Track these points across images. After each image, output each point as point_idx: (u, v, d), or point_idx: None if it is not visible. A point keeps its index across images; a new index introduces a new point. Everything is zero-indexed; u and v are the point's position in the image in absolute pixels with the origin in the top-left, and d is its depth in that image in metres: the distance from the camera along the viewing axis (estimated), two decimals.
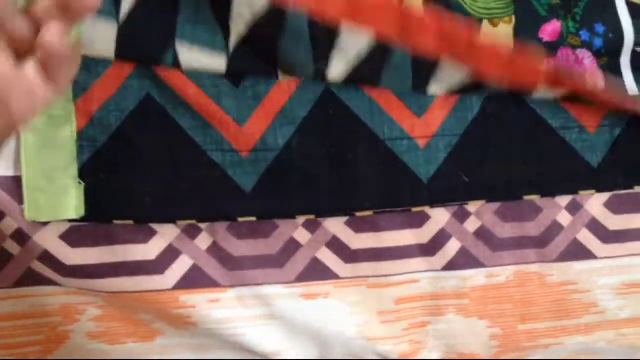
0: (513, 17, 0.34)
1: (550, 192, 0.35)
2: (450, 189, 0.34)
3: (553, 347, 0.35)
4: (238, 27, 0.31)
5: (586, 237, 0.35)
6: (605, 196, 0.35)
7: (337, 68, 0.32)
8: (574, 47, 0.34)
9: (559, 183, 0.34)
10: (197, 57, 0.31)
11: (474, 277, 0.34)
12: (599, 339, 0.35)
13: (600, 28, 0.34)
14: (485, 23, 0.33)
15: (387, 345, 0.34)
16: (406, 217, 0.34)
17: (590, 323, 0.35)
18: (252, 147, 0.32)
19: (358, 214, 0.34)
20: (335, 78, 0.32)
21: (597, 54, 0.34)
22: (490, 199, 0.34)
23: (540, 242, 0.35)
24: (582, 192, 0.35)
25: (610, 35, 0.34)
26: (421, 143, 0.34)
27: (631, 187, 0.35)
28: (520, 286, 0.35)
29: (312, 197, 0.33)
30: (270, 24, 0.31)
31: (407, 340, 0.34)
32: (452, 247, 0.34)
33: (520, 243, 0.35)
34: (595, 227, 0.35)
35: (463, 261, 0.34)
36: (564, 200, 0.35)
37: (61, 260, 0.31)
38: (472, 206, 0.35)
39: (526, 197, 0.34)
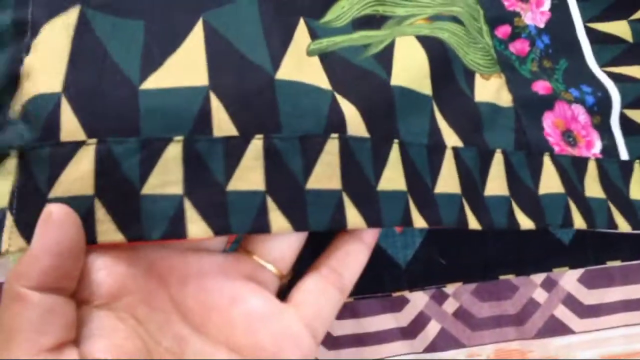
0: (502, 74, 0.34)
1: (525, 270, 0.35)
2: (428, 272, 0.35)
3: None
4: None
5: (563, 313, 0.36)
6: (578, 272, 0.36)
7: None
8: (568, 102, 0.34)
9: (533, 261, 0.35)
10: None
11: (455, 357, 0.35)
12: None
13: (587, 88, 0.35)
14: (477, 76, 0.33)
15: None
16: (385, 301, 0.35)
17: None
18: None
19: None
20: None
21: (590, 112, 0.34)
22: (467, 280, 0.35)
23: (519, 319, 0.36)
24: (556, 269, 0.36)
25: (599, 94, 0.34)
26: (398, 228, 0.35)
27: (603, 262, 0.36)
28: None
29: None
30: None
31: None
32: (432, 329, 0.35)
33: (499, 321, 0.36)
34: (571, 303, 0.36)
35: (443, 342, 0.35)
36: (538, 277, 0.36)
37: None
38: (450, 288, 0.35)
39: (502, 277, 0.35)
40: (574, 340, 0.36)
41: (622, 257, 0.36)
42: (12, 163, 0.21)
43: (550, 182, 0.30)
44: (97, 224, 0.21)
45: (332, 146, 0.23)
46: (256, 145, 0.22)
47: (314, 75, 0.25)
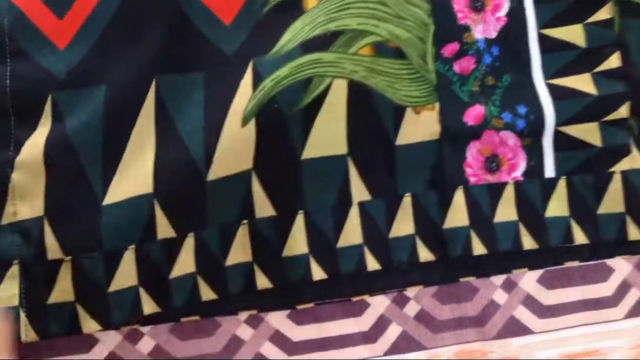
0: (436, 105, 0.34)
1: (485, 272, 0.36)
2: (388, 276, 0.35)
3: None
4: None
5: (522, 313, 0.36)
6: (538, 273, 0.36)
7: None
8: (497, 129, 0.35)
9: (493, 263, 0.36)
10: None
11: (416, 359, 0.35)
12: None
13: (522, 109, 0.35)
14: (409, 111, 0.34)
15: None
16: (346, 306, 0.35)
17: None
18: None
19: (299, 306, 0.34)
20: None
21: (520, 135, 0.35)
22: (428, 283, 0.35)
23: (479, 320, 0.36)
24: (515, 271, 0.36)
25: (532, 117, 0.35)
26: None
27: (562, 263, 0.36)
28: None
29: (253, 292, 0.34)
30: None
31: None
32: (393, 332, 0.35)
33: (460, 323, 0.36)
34: (531, 303, 0.36)
35: (404, 345, 0.35)
36: (499, 279, 0.36)
37: None
38: (411, 291, 0.35)
39: (462, 279, 0.36)
40: (533, 340, 0.36)
41: (580, 258, 0.36)
42: (15, 269, 0.30)
43: (456, 216, 0.34)
44: (81, 320, 0.31)
45: (244, 230, 0.33)
46: (189, 242, 0.32)
47: (242, 155, 0.32)
